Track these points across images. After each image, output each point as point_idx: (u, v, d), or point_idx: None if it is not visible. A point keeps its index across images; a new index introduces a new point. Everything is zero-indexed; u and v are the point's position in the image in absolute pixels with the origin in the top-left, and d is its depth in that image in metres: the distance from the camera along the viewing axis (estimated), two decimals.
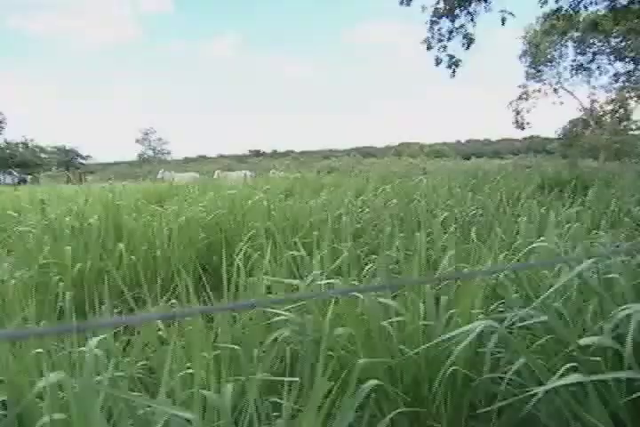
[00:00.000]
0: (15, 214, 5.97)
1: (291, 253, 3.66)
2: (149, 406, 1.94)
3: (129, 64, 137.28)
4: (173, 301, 3.12)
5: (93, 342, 1.99)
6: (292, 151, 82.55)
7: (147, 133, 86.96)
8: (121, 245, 4.26)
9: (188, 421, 1.79)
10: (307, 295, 2.78)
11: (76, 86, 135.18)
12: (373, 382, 2.06)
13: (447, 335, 2.30)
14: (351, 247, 3.84)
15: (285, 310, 2.63)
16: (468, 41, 13.52)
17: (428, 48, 13.92)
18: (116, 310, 3.44)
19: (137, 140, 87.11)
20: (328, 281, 2.93)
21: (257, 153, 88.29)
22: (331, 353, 2.35)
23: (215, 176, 28.28)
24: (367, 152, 73.46)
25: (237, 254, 3.38)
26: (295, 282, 3.05)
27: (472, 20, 13.35)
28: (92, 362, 1.87)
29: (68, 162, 79.49)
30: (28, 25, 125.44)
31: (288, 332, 2.53)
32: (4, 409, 1.97)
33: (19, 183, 33.71)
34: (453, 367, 2.27)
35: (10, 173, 65.76)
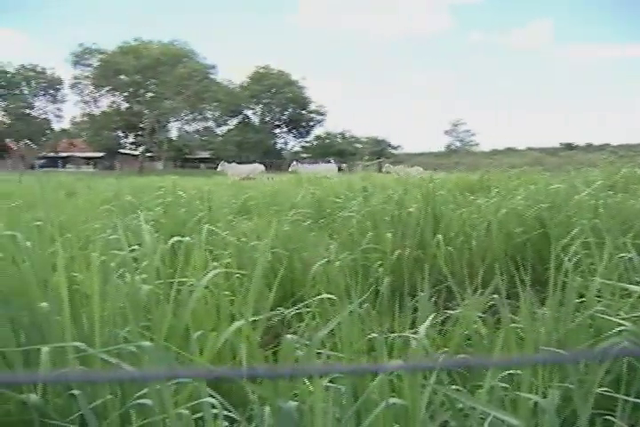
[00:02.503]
0: (339, 200, 6.55)
1: (622, 255, 3.43)
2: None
3: (437, 55, 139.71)
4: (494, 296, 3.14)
5: (422, 329, 2.07)
6: (608, 145, 76.33)
7: (455, 125, 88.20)
8: (439, 236, 4.41)
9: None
10: None
11: (385, 78, 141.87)
12: None
13: None
14: None
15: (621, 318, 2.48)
16: None
17: None
18: (432, 299, 3.56)
19: (445, 132, 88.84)
20: None
21: (569, 146, 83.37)
22: None
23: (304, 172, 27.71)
24: None
25: (563, 252, 3.28)
26: (636, 288, 2.83)
27: None
28: (420, 350, 1.96)
29: (380, 152, 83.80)
30: (340, 24, 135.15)
31: (625, 342, 2.36)
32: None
33: None
34: None
35: (328, 162, 71.84)
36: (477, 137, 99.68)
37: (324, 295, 2.85)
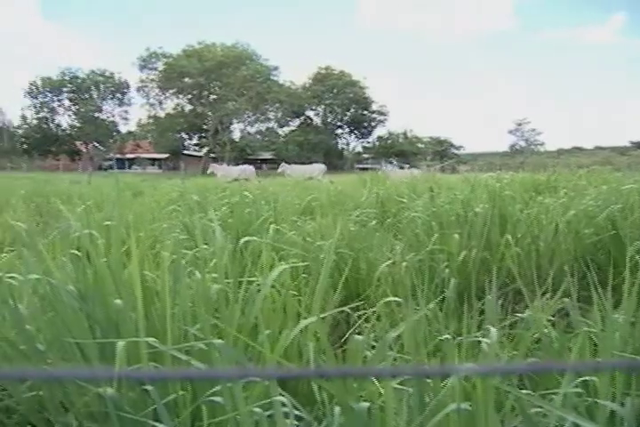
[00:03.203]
0: (404, 200, 6.52)
1: None
2: (540, 407, 1.94)
3: (500, 53, 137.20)
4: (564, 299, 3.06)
5: (494, 332, 2.04)
6: None
7: (520, 124, 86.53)
8: (508, 237, 4.34)
9: None
10: None
11: (447, 78, 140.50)
12: None
13: None
14: None
15: None
16: None
17: None
18: (500, 301, 3.50)
19: (510, 131, 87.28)
20: None
21: (639, 145, 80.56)
22: None
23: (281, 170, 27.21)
24: None
25: (638, 254, 3.18)
26: None
27: None
28: (492, 353, 1.93)
29: (442, 152, 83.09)
30: (401, 24, 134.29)
31: None
32: None
33: None
34: None
35: (390, 162, 71.71)
36: (543, 136, 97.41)
37: (391, 298, 2.83)
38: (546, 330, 2.66)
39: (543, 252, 4.63)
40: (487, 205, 4.85)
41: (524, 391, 2.09)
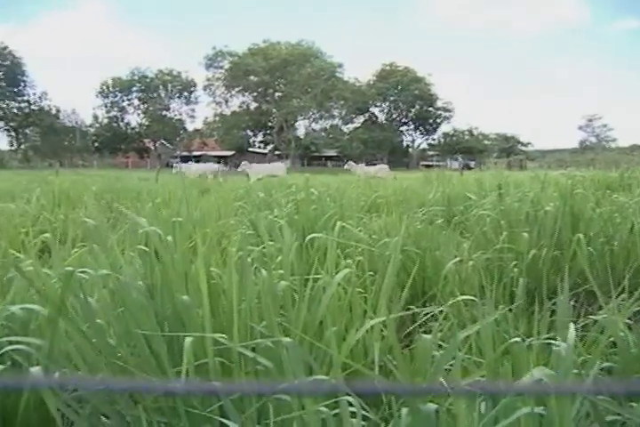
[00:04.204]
0: (473, 197, 6.41)
1: None
2: (618, 415, 1.86)
3: (571, 48, 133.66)
4: None
5: (571, 335, 1.96)
6: None
7: (590, 120, 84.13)
8: (580, 236, 4.20)
9: None
10: None
11: (514, 74, 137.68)
12: None
13: None
14: None
15: None
16: None
17: None
18: (571, 302, 3.40)
19: (580, 127, 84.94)
20: None
21: None
22: None
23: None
24: None
25: None
26: None
27: None
28: (570, 358, 1.85)
29: (509, 149, 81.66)
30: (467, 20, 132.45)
31: None
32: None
33: (463, 168, 35.96)
34: None
35: (455, 159, 70.89)
36: (615, 132, 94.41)
37: (462, 297, 2.77)
38: (622, 333, 2.56)
39: (617, 251, 4.47)
40: (558, 202, 4.72)
41: (600, 397, 2.02)
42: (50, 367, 2.04)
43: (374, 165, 35.34)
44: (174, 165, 33.94)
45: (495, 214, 5.00)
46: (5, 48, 70.44)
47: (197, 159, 76.92)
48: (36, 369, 1.90)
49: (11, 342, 2.15)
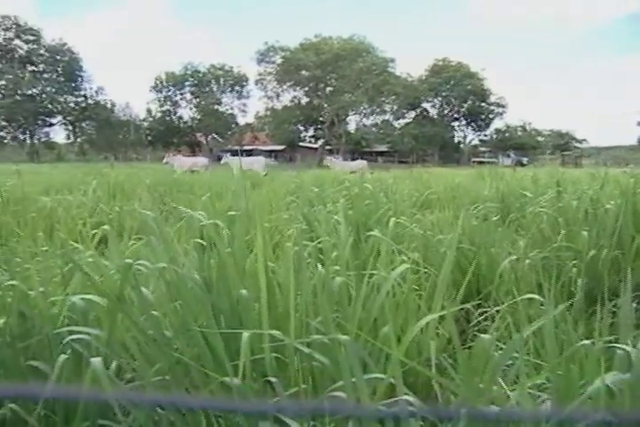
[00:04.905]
0: (529, 195, 6.28)
1: None
2: None
3: (628, 41, 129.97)
4: None
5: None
6: None
7: None
8: None
9: None
10: None
11: (570, 67, 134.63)
12: None
13: None
14: None
15: None
16: None
17: None
18: (634, 304, 3.29)
19: (639, 123, 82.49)
20: None
21: None
22: None
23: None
24: None
25: None
26: None
27: None
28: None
29: (563, 145, 79.97)
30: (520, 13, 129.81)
31: None
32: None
33: (515, 165, 35.38)
34: None
35: (508, 156, 69.81)
36: None
37: (525, 296, 2.70)
38: None
39: None
40: (619, 201, 4.57)
41: None
42: (108, 357, 2.07)
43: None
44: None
45: (552, 212, 4.88)
46: (64, 44, 72.13)
47: (249, 153, 77.65)
48: (96, 360, 1.92)
49: (71, 332, 2.19)
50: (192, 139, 79.22)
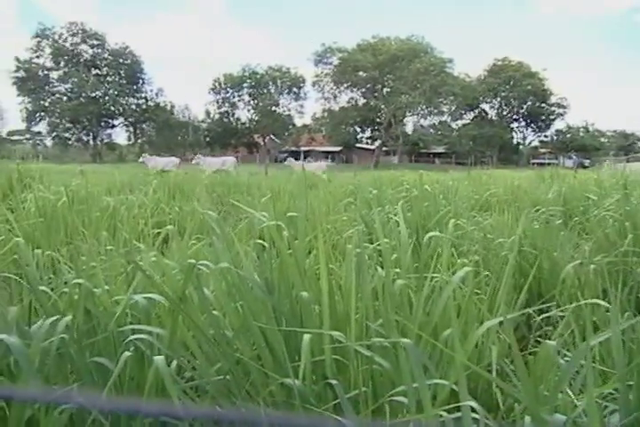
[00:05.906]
0: (594, 197, 6.12)
1: None
2: None
3: None
4: None
5: None
6: None
7: None
8: None
9: None
10: None
11: (635, 65, 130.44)
12: None
13: None
14: None
15: None
16: None
17: None
18: None
19: None
20: None
21: None
22: None
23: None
24: None
25: None
26: None
27: None
28: None
29: (628, 147, 77.71)
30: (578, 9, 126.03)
31: None
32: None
33: (577, 167, 34.53)
34: None
35: (569, 157, 68.16)
36: None
37: (591, 301, 2.62)
38: None
39: None
40: None
41: None
42: (169, 356, 2.10)
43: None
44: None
45: (619, 215, 4.74)
46: (126, 48, 74.00)
47: (306, 154, 77.94)
48: (159, 358, 1.95)
49: (134, 331, 2.23)
50: (250, 140, 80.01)
